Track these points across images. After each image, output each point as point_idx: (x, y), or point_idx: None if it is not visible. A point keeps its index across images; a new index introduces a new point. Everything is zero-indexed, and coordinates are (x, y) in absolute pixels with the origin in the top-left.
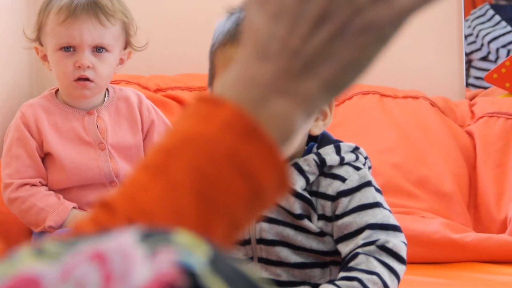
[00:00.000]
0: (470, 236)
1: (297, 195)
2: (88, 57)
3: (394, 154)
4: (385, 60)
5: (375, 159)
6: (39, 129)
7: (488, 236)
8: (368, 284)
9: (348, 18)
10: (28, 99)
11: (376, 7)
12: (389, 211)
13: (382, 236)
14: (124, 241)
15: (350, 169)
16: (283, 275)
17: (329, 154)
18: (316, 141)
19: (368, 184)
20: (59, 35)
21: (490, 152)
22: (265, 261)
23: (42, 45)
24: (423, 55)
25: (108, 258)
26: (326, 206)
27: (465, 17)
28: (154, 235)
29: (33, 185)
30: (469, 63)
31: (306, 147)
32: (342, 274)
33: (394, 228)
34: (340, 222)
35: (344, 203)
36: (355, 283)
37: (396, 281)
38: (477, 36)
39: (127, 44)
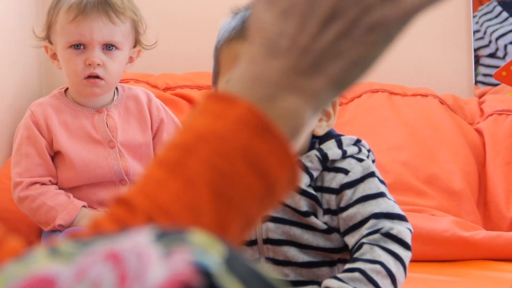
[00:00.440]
0: (480, 234)
1: (302, 192)
2: (98, 54)
3: (403, 152)
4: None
5: (384, 157)
6: (48, 127)
7: (498, 234)
8: (371, 274)
9: (357, 16)
10: (37, 98)
11: (384, 6)
12: (394, 201)
13: (387, 224)
14: (139, 241)
15: (353, 161)
16: (291, 274)
17: (331, 148)
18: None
19: (371, 175)
20: (69, 33)
21: (500, 150)
22: (273, 261)
23: (51, 44)
24: (431, 53)
25: (123, 258)
26: (331, 200)
27: (472, 13)
28: (169, 235)
29: (43, 183)
30: (477, 60)
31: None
32: (346, 266)
33: (399, 217)
34: (345, 214)
35: (348, 195)
36: (356, 274)
37: (401, 268)
38: (484, 32)
39: (136, 43)
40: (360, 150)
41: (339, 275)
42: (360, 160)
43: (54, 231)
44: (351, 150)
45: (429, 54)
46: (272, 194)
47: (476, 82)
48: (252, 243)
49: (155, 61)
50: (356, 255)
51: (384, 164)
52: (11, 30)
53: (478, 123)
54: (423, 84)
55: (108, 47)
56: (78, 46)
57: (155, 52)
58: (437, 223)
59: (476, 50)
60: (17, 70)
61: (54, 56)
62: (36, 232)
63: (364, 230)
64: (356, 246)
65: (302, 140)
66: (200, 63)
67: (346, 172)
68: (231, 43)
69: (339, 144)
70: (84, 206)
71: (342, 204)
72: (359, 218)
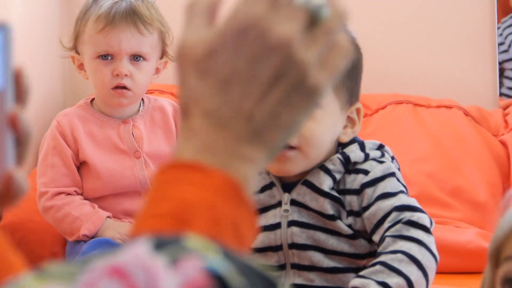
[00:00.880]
0: None
1: (326, 195)
2: (126, 65)
3: (428, 164)
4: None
5: (409, 169)
6: (74, 137)
7: None
8: (392, 263)
9: (295, 82)
10: (62, 109)
11: (318, 72)
12: (415, 200)
13: (408, 214)
14: (139, 253)
15: (374, 163)
16: (316, 280)
17: (353, 151)
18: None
19: (392, 174)
20: (97, 43)
21: None
22: (298, 267)
23: (78, 54)
24: (456, 64)
25: (128, 272)
26: (352, 201)
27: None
28: (166, 243)
29: (68, 193)
30: (501, 73)
31: None
32: (370, 262)
33: (421, 211)
34: (368, 212)
35: (369, 194)
36: (377, 267)
37: (428, 253)
38: (509, 45)
39: (163, 54)
40: (383, 155)
41: (361, 273)
42: (381, 162)
43: (78, 241)
44: (374, 154)
45: (453, 65)
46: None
47: (500, 94)
48: (278, 248)
49: None
50: (380, 249)
51: (409, 176)
52: (36, 41)
53: (503, 134)
54: (448, 96)
55: (136, 58)
56: (106, 57)
57: None
58: (461, 235)
59: (500, 63)
60: (41, 81)
61: (81, 66)
62: (61, 242)
63: (386, 224)
64: (380, 241)
65: (323, 152)
66: None
67: (366, 172)
68: None
69: (362, 148)
70: (108, 217)
71: (364, 204)
72: (381, 214)
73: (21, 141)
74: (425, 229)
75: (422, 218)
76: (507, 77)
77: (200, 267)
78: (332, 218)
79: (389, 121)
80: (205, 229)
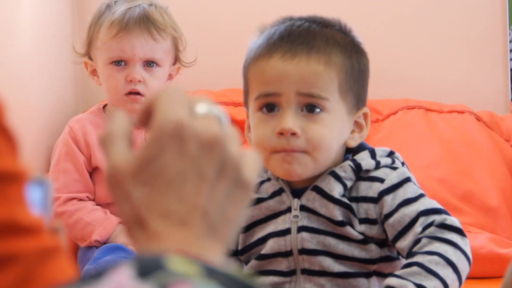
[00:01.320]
0: None
1: (336, 202)
2: (140, 71)
3: (439, 169)
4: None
5: (420, 174)
6: (87, 143)
7: None
8: (430, 265)
9: (234, 175)
10: (74, 115)
11: (246, 168)
12: (436, 201)
13: (437, 217)
14: (122, 281)
15: (387, 170)
16: (327, 285)
17: (364, 159)
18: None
19: (408, 179)
20: (110, 49)
21: None
22: (308, 272)
23: (91, 60)
24: (468, 70)
25: None
26: (369, 209)
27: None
28: (150, 268)
29: (80, 199)
30: None
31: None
32: (405, 262)
33: (446, 212)
34: (391, 220)
35: (389, 201)
36: (414, 268)
37: (462, 256)
38: None
39: (176, 60)
40: (393, 162)
41: (397, 272)
42: (394, 168)
43: (90, 247)
44: (385, 161)
45: (465, 71)
46: None
47: None
48: (288, 254)
49: (190, 78)
50: (415, 249)
51: (420, 181)
52: (48, 47)
53: None
54: (459, 101)
55: (149, 63)
56: (119, 63)
57: (191, 68)
58: (473, 240)
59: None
60: (53, 87)
61: (94, 72)
62: (72, 248)
63: (417, 228)
64: (414, 242)
65: (331, 156)
66: (237, 79)
67: (381, 180)
68: (257, 61)
69: (373, 155)
70: (120, 223)
71: (385, 212)
72: (407, 220)
73: None
74: (460, 232)
75: (454, 221)
76: None
77: None
78: (341, 224)
79: (400, 126)
80: None
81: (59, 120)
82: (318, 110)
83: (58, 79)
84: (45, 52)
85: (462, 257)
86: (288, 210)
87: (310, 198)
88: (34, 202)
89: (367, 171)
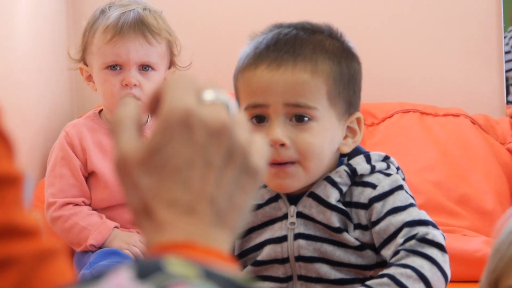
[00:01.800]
0: None
1: (333, 208)
2: (135, 75)
3: (435, 172)
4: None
5: (416, 178)
6: (83, 148)
7: None
8: (400, 278)
9: (242, 162)
10: (69, 120)
11: (255, 155)
12: (425, 213)
13: (421, 230)
14: (122, 283)
15: (381, 176)
16: None
17: (359, 163)
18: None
19: (400, 187)
20: (105, 53)
21: None
22: (305, 279)
23: (87, 65)
24: (463, 73)
25: None
26: (360, 215)
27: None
28: (149, 270)
29: (76, 204)
30: (508, 81)
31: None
32: (380, 273)
33: (433, 224)
34: (378, 227)
35: (378, 208)
36: (384, 279)
37: (439, 272)
38: None
39: (171, 64)
40: (388, 167)
41: (368, 282)
42: (388, 174)
43: (86, 252)
44: (380, 165)
45: (460, 74)
46: None
47: (507, 102)
48: (284, 261)
49: None
50: (392, 260)
51: (416, 184)
52: (43, 53)
53: (510, 142)
54: (455, 104)
55: (144, 67)
56: (114, 67)
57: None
58: (469, 243)
59: (507, 71)
60: (48, 93)
61: (89, 78)
62: (68, 253)
63: (399, 239)
64: (394, 253)
65: (325, 163)
66: (232, 84)
67: (373, 186)
68: (245, 71)
69: (368, 160)
70: (116, 227)
71: (373, 219)
72: (392, 229)
73: None
74: (440, 247)
75: (437, 235)
76: None
77: None
78: (338, 230)
79: (396, 129)
80: None
81: (55, 125)
82: (306, 119)
83: (54, 85)
84: (40, 58)
85: (438, 273)
86: (285, 217)
87: (307, 205)
88: None
89: (362, 175)
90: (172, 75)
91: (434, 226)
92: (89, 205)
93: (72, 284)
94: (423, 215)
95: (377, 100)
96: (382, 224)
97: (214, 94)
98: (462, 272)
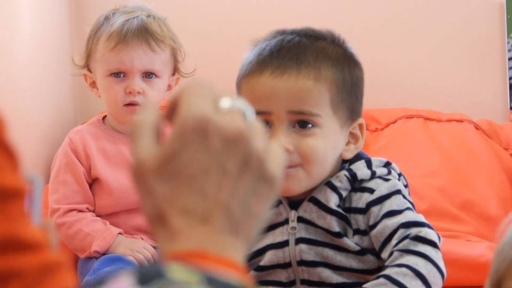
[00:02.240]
0: None
1: (333, 213)
2: (139, 82)
3: (438, 178)
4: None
5: (419, 183)
6: (87, 154)
7: None
8: (396, 277)
9: (258, 170)
10: (72, 127)
11: (271, 163)
12: (422, 216)
13: (415, 230)
14: None
15: (380, 181)
16: None
17: (360, 168)
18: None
19: (397, 192)
20: (109, 61)
21: None
22: (308, 283)
23: (90, 72)
24: (466, 78)
25: None
26: (358, 220)
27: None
28: (151, 276)
29: (80, 210)
30: (510, 86)
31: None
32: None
33: (429, 226)
34: (375, 231)
35: (375, 212)
36: (381, 280)
37: (434, 268)
38: None
39: (175, 70)
40: (389, 172)
41: (365, 285)
42: (387, 179)
43: (90, 258)
44: (380, 171)
45: (464, 79)
46: None
47: (511, 107)
48: (287, 265)
49: None
50: (387, 263)
51: (419, 189)
52: (46, 59)
53: None
54: (458, 110)
55: (148, 75)
56: (118, 74)
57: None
58: (472, 249)
59: (510, 77)
60: (52, 99)
61: (93, 84)
62: (72, 259)
63: (393, 240)
64: (389, 256)
65: (327, 169)
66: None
67: (371, 191)
68: (248, 78)
69: (369, 165)
70: (120, 233)
71: (371, 222)
72: (388, 232)
73: None
74: (433, 244)
75: (429, 233)
76: None
77: None
78: (338, 235)
79: (399, 135)
80: None
81: (59, 131)
82: (310, 125)
83: (57, 91)
84: (44, 63)
85: (434, 269)
86: (286, 221)
87: (307, 210)
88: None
89: (362, 181)
90: (177, 81)
91: (430, 228)
92: (93, 211)
93: None
94: (420, 217)
95: (381, 106)
96: (379, 227)
97: (231, 102)
98: (466, 277)
